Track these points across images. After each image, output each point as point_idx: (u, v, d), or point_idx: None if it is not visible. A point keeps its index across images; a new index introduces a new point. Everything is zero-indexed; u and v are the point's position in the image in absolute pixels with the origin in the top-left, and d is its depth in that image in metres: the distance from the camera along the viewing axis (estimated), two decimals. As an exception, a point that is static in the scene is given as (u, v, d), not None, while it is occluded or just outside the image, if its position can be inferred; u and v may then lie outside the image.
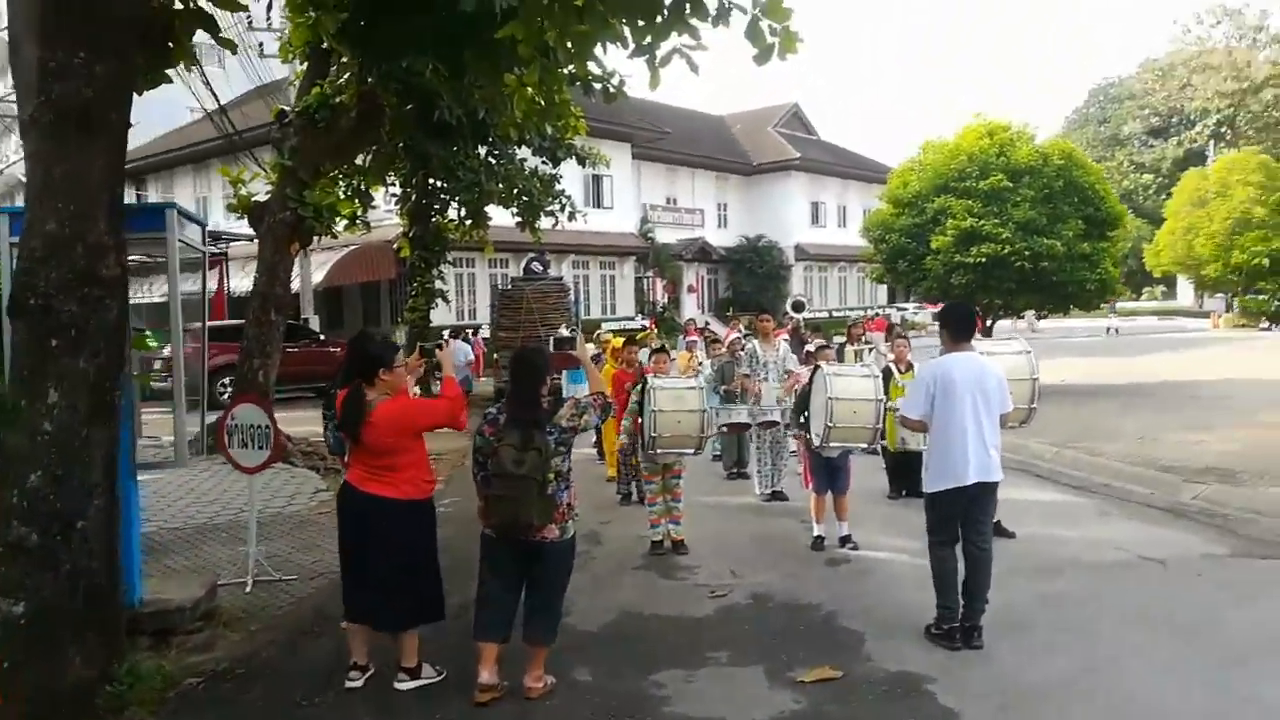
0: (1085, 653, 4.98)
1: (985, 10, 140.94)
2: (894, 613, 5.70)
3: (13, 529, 4.28)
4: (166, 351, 9.87)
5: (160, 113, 27.36)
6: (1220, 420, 12.65)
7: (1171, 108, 64.96)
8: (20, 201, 6.02)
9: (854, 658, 5.03)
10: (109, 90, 4.43)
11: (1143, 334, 37.65)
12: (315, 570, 6.93)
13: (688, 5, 5.05)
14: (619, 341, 11.08)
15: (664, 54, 5.27)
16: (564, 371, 11.75)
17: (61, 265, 4.31)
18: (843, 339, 12.94)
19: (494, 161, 16.99)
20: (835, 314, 41.69)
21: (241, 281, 21.81)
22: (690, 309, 39.70)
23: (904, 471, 8.94)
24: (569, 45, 5.57)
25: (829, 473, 7.35)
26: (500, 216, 18.99)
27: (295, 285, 22.15)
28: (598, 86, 8.09)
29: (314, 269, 24.42)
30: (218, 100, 14.85)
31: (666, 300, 39.92)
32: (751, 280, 42.99)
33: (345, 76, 10.94)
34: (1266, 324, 37.74)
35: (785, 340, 10.49)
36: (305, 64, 11.71)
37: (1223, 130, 60.06)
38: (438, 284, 18.52)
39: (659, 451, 7.08)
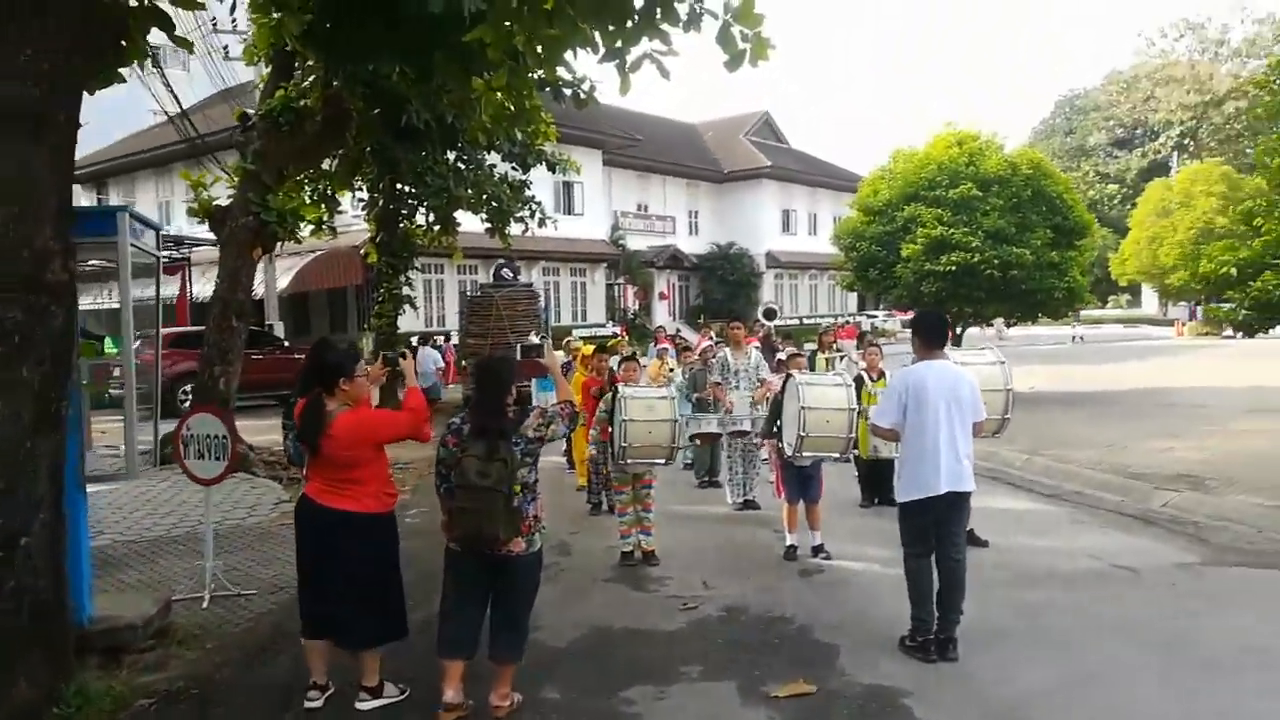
0: (1062, 664, 4.93)
1: (956, 18, 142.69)
2: (868, 624, 5.63)
3: (-47, 546, 4.09)
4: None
5: (122, 115, 26.96)
6: (1189, 428, 12.75)
7: (1136, 119, 66.08)
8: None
9: (828, 671, 4.94)
10: (57, 89, 4.26)
11: (1109, 342, 38.14)
12: (276, 584, 6.74)
13: (658, 10, 4.97)
14: (589, 349, 10.97)
15: (634, 59, 5.20)
16: (534, 379, 11.63)
17: (5, 270, 4.13)
18: (814, 347, 12.91)
19: (463, 167, 16.81)
20: (806, 321, 41.86)
21: (205, 287, 21.43)
22: (661, 316, 39.71)
23: (876, 479, 8.90)
24: (538, 49, 5.47)
25: (801, 481, 7.29)
26: (469, 222, 18.80)
27: (260, 291, 21.87)
28: (568, 92, 7.98)
29: (279, 274, 24.10)
30: (179, 104, 14.58)
31: (638, 307, 39.87)
32: (723, 288, 43.12)
33: (310, 80, 10.77)
34: (1230, 332, 38.33)
35: (756, 348, 10.42)
36: (270, 67, 11.52)
37: (1186, 142, 61.17)
38: (406, 290, 18.28)
39: (629, 462, 6.97)
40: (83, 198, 34.29)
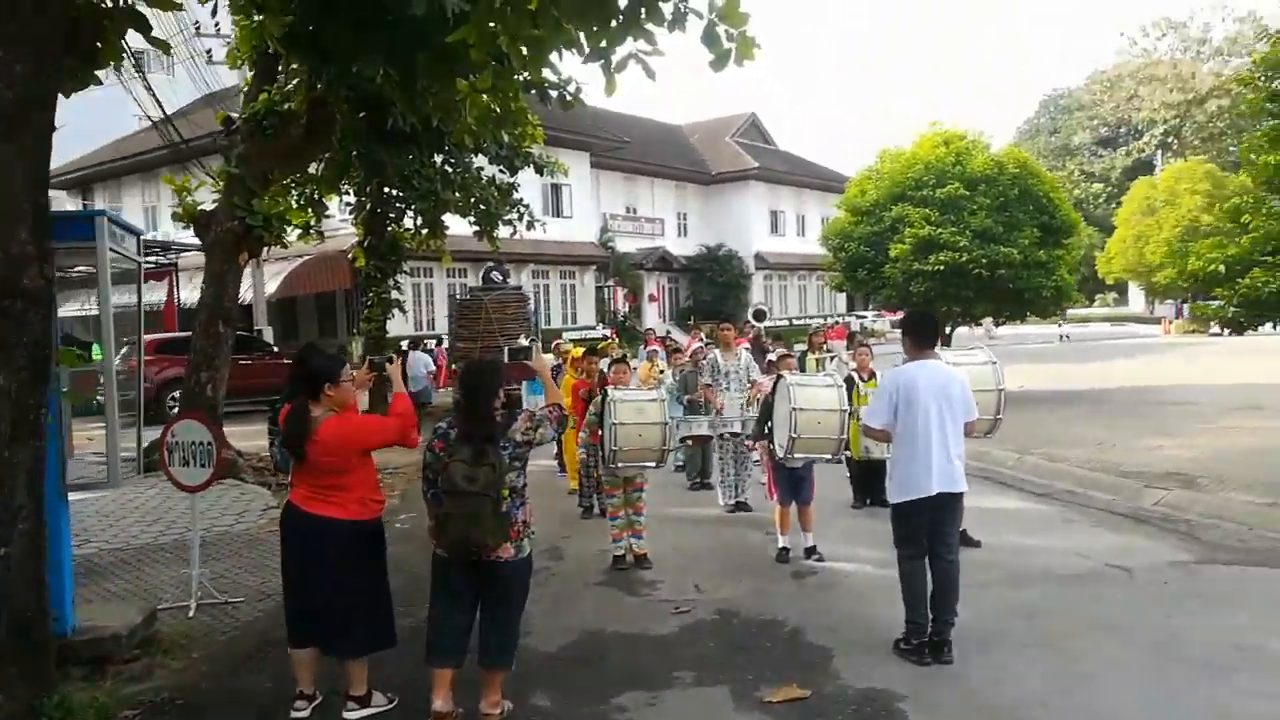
0: (1057, 666, 4.89)
1: (941, 19, 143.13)
2: (861, 627, 5.59)
3: (-70, 557, 4.01)
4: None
5: (107, 121, 26.78)
6: (1178, 426, 12.77)
7: (1120, 118, 66.40)
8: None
9: (822, 675, 4.89)
10: (31, 91, 4.17)
11: (1096, 340, 38.25)
12: (263, 592, 6.66)
13: (643, 10, 4.91)
14: (579, 351, 10.92)
15: (620, 59, 5.14)
16: (524, 382, 11.57)
17: (-20, 276, 4.06)
18: (804, 347, 12.88)
19: (450, 170, 16.74)
20: (796, 322, 41.88)
21: (192, 293, 21.29)
22: (651, 318, 39.69)
23: (868, 480, 8.87)
24: (523, 50, 5.41)
25: (793, 483, 7.25)
26: (458, 226, 18.73)
27: (248, 296, 21.76)
28: (554, 93, 7.93)
29: (267, 279, 23.95)
30: (162, 108, 14.45)
31: (627, 309, 39.82)
32: (712, 289, 43.15)
33: (294, 83, 10.68)
34: (1217, 329, 38.50)
35: (747, 349, 10.39)
36: (253, 70, 11.43)
37: (1169, 140, 61.51)
38: (394, 294, 18.19)
39: (620, 465, 6.91)
40: (68, 203, 34.10)
